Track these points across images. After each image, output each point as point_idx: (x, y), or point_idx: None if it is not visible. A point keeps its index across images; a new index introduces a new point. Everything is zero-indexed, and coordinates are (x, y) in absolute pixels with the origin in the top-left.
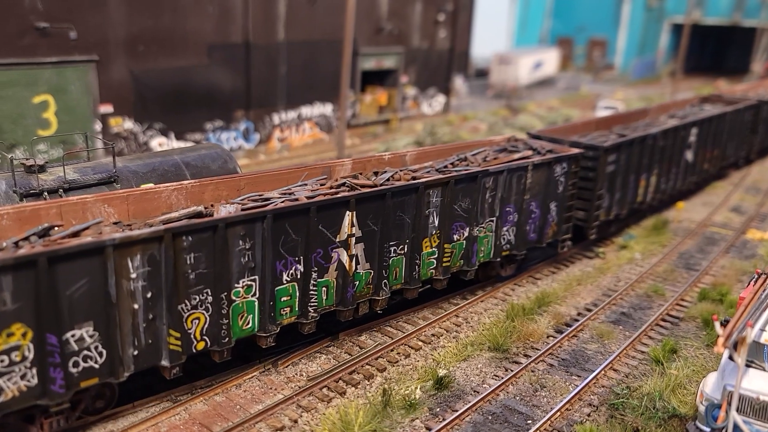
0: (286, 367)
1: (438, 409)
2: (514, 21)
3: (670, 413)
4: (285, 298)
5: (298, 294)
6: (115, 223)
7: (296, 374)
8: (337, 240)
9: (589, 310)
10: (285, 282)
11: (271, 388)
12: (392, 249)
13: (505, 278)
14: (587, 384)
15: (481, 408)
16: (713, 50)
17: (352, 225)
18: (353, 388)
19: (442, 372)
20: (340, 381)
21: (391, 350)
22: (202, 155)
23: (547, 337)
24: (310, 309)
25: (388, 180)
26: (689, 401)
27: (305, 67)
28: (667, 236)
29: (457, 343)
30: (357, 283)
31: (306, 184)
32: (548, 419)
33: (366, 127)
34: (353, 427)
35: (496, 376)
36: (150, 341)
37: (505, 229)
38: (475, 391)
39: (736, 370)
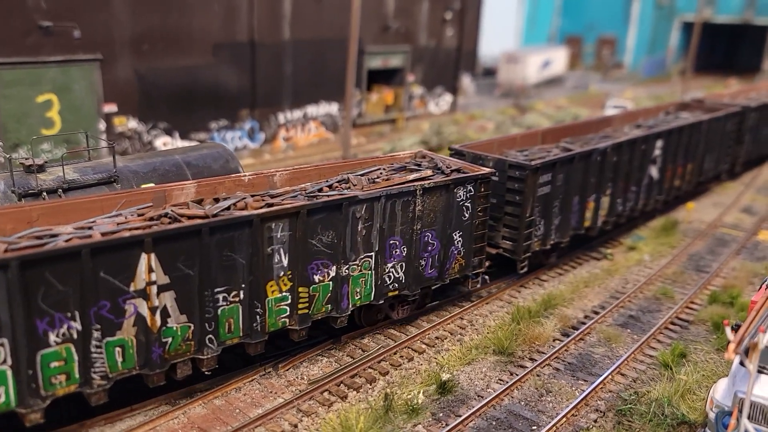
0: (287, 370)
1: (441, 414)
2: (522, 19)
3: (679, 420)
4: (56, 364)
5: (76, 358)
6: None
7: (297, 378)
8: (132, 289)
9: (597, 313)
10: (54, 344)
11: (271, 392)
12: (219, 297)
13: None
14: (594, 389)
15: (485, 413)
16: (724, 48)
17: (151, 270)
18: (355, 392)
19: (445, 376)
20: (342, 385)
21: (394, 353)
22: (204, 155)
23: (554, 340)
24: (95, 375)
25: (228, 209)
26: (699, 407)
27: (311, 66)
28: (677, 237)
29: (462, 347)
30: (168, 340)
31: (120, 215)
32: (554, 425)
33: (372, 127)
34: None
35: (501, 380)
36: None
37: (389, 265)
38: (479, 396)
39: (748, 377)
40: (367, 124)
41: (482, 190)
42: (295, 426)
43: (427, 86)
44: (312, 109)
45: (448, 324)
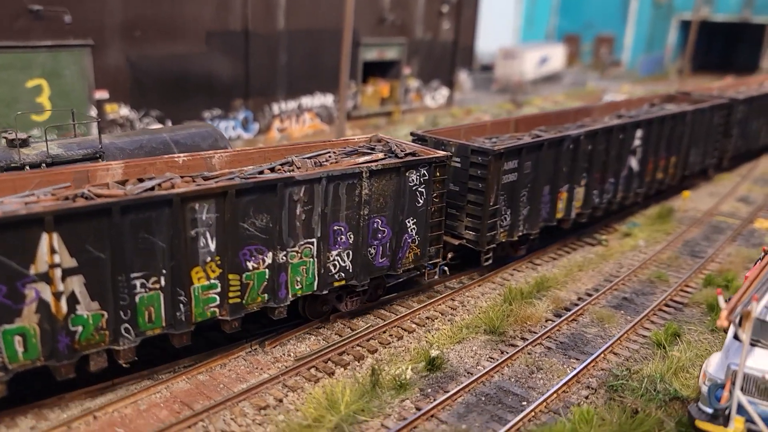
0: (274, 347)
1: (429, 390)
2: (520, 18)
3: (672, 395)
4: None
5: None
6: None
7: (284, 354)
8: (32, 272)
9: (590, 295)
10: None
11: (257, 368)
12: (137, 283)
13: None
14: (586, 366)
15: (475, 389)
16: (722, 47)
17: (54, 251)
18: (342, 369)
19: (434, 353)
20: (329, 362)
21: (384, 332)
22: (192, 134)
23: (546, 320)
24: None
25: (151, 190)
26: (692, 385)
27: (306, 57)
28: (672, 225)
29: (452, 326)
30: (78, 329)
31: (33, 194)
32: (544, 401)
33: (368, 119)
34: (339, 406)
35: (492, 358)
36: None
37: (334, 253)
38: (468, 373)
39: (741, 350)
40: (362, 117)
41: (438, 174)
42: (280, 401)
43: (423, 79)
44: (307, 100)
45: (439, 305)
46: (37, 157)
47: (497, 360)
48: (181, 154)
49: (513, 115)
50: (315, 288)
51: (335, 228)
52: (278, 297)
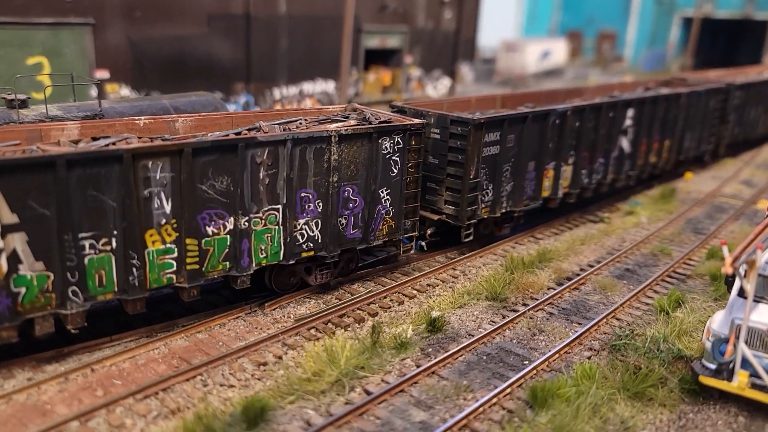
0: (274, 309)
1: (430, 350)
2: (522, 13)
3: (675, 354)
4: None
5: None
6: None
7: (283, 316)
8: None
9: (592, 267)
10: None
11: (256, 328)
12: (85, 244)
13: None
14: (588, 329)
15: (476, 349)
16: (725, 44)
17: None
18: (342, 330)
19: (435, 314)
20: (329, 323)
21: (384, 297)
22: (192, 101)
23: (548, 288)
24: None
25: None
26: (695, 347)
27: (307, 43)
28: (675, 204)
29: (453, 293)
30: (21, 290)
31: None
32: (546, 360)
33: (369, 107)
34: (339, 361)
35: (493, 321)
36: None
37: (301, 221)
38: (469, 335)
39: (745, 305)
40: (364, 104)
41: (413, 143)
42: (280, 357)
43: (425, 69)
44: (308, 86)
45: (440, 273)
46: (36, 118)
47: (499, 323)
48: (142, 117)
49: (504, 93)
50: (281, 258)
51: (302, 195)
52: (240, 265)
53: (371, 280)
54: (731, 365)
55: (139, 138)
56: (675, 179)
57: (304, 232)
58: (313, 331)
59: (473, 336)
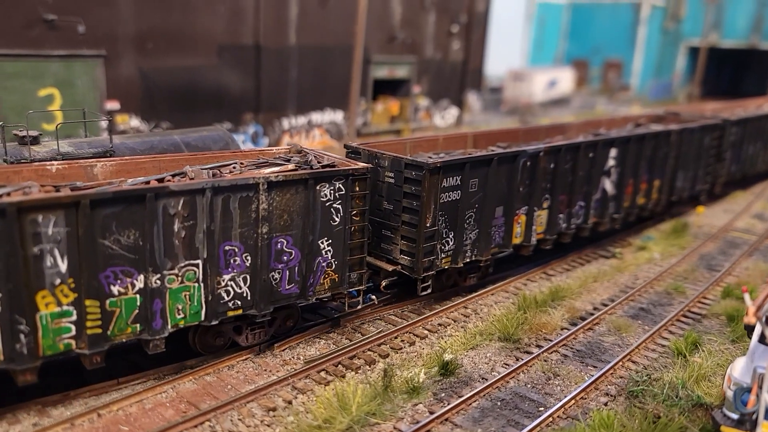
0: (283, 350)
1: (443, 395)
2: (528, 42)
3: (695, 402)
4: None
5: None
6: None
7: (293, 357)
8: None
9: (606, 305)
10: None
11: (265, 370)
12: None
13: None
14: (604, 374)
15: (490, 394)
16: (730, 74)
17: None
18: (353, 373)
19: (448, 357)
20: (340, 365)
21: (395, 338)
22: (203, 136)
23: (561, 329)
24: None
25: None
26: (715, 393)
27: (316, 73)
28: (687, 239)
29: (465, 333)
30: None
31: None
32: (562, 406)
33: (377, 136)
34: (351, 407)
35: (507, 364)
36: None
37: (226, 277)
38: (483, 378)
39: (767, 353)
40: (372, 134)
41: (357, 189)
42: (290, 402)
43: (432, 98)
44: (317, 116)
45: (452, 312)
46: (48, 155)
47: (512, 366)
48: (55, 162)
49: (476, 131)
50: (202, 318)
51: (227, 248)
52: (153, 328)
53: (381, 319)
54: (754, 416)
55: (43, 187)
56: (687, 212)
57: (229, 288)
58: (323, 374)
59: (487, 380)
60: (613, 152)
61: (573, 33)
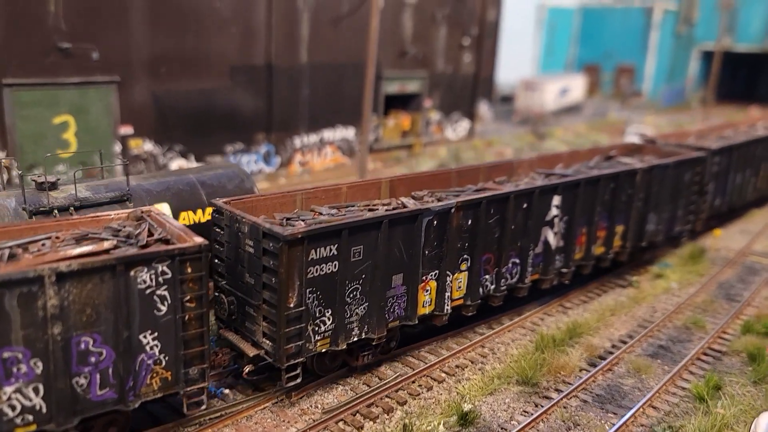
0: (301, 398)
1: None
2: (539, 48)
3: None
4: None
5: None
6: None
7: (311, 406)
8: None
9: (624, 342)
10: None
11: (283, 421)
12: None
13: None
14: (624, 422)
15: None
16: (745, 77)
17: None
18: (371, 423)
19: (467, 407)
20: (358, 414)
21: (413, 382)
22: (218, 174)
23: (580, 370)
24: None
25: None
26: None
27: (328, 91)
28: (705, 265)
29: (483, 376)
30: None
31: None
32: None
33: (389, 152)
34: None
35: (526, 411)
36: None
37: (8, 390)
38: (502, 429)
39: None
40: (383, 150)
41: (189, 271)
42: None
43: (444, 112)
44: (328, 134)
45: (469, 352)
46: (66, 201)
47: (532, 414)
48: None
49: (393, 175)
50: None
51: (5, 356)
52: None
53: (398, 360)
54: None
55: None
56: (703, 237)
57: (15, 402)
58: (341, 425)
59: (506, 430)
60: (556, 200)
61: (584, 38)
